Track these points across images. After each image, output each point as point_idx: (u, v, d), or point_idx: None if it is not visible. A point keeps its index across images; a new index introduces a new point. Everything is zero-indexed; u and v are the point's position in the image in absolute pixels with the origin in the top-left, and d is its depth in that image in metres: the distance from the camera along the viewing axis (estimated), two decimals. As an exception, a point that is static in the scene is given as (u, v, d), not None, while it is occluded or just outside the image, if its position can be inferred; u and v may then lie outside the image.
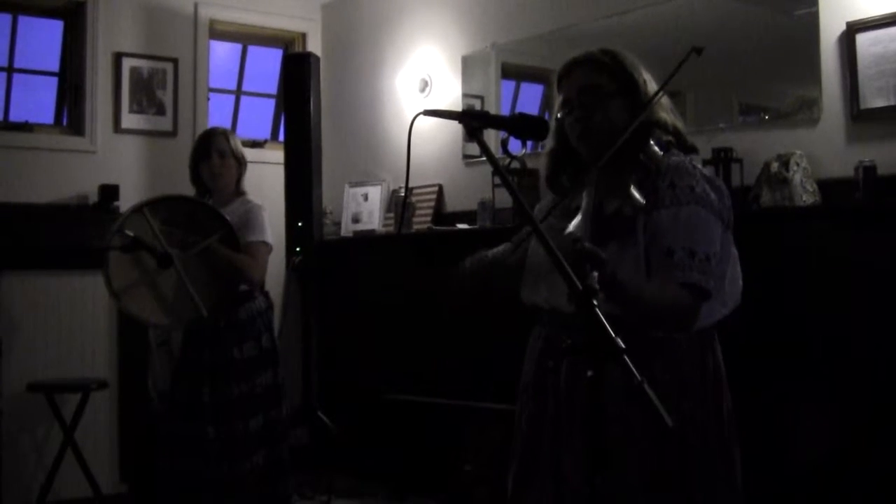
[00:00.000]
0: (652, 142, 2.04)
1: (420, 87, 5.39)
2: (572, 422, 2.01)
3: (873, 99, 3.40)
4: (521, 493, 2.16)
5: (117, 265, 3.56)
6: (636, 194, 1.94)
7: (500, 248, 2.38)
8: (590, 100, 2.11)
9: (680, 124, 2.15)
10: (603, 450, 1.87)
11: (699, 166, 2.08)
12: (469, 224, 4.82)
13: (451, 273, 2.34)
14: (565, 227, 2.05)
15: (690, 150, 2.14)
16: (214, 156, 3.88)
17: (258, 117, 6.23)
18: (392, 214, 5.46)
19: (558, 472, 2.04)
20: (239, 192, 3.97)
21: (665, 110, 2.13)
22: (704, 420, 2.04)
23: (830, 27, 3.53)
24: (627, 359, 1.41)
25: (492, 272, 2.30)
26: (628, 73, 2.12)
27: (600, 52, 2.16)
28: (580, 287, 1.49)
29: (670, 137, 2.11)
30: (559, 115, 2.18)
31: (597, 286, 1.51)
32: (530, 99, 5.27)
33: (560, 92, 2.19)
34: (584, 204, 2.01)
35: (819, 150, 3.53)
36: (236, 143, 3.97)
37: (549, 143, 2.25)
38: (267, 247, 3.85)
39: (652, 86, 2.14)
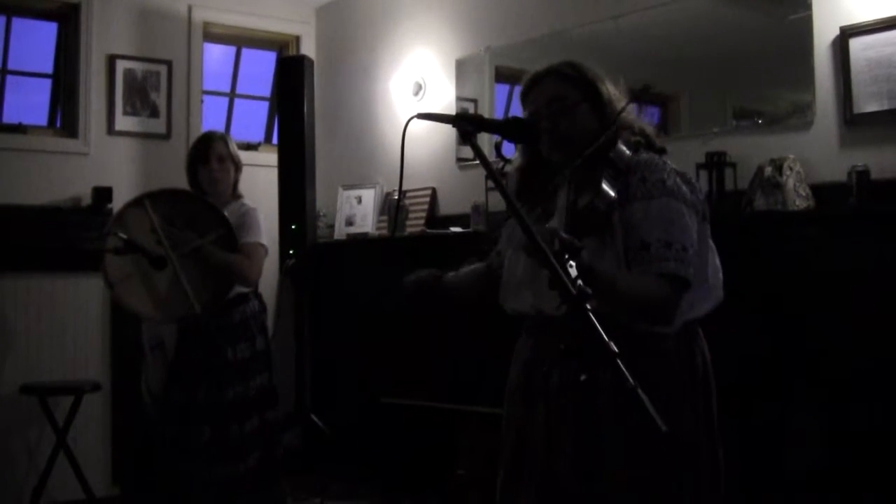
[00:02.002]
0: (620, 142, 2.07)
1: (414, 90, 5.39)
2: (564, 426, 2.01)
3: (866, 103, 3.41)
4: (508, 499, 2.16)
5: (115, 256, 3.56)
6: (607, 188, 1.96)
7: (471, 267, 2.41)
8: (557, 110, 2.12)
9: (647, 128, 2.18)
10: (597, 453, 1.87)
11: (669, 162, 2.10)
12: (462, 227, 4.81)
13: (401, 287, 2.36)
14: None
15: (660, 151, 2.16)
16: (213, 161, 3.87)
17: (252, 120, 6.23)
18: (386, 217, 5.46)
19: (548, 477, 2.03)
20: (235, 195, 3.97)
21: (631, 115, 2.16)
22: (694, 421, 2.04)
23: (824, 32, 3.54)
24: (620, 363, 1.40)
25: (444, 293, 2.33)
26: (591, 82, 2.15)
27: (562, 64, 2.18)
28: (573, 291, 1.49)
29: (639, 138, 2.13)
30: None
31: (588, 290, 1.50)
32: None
33: (526, 107, 2.21)
34: (559, 202, 2.01)
35: (812, 155, 3.53)
36: (234, 147, 3.98)
37: (515, 159, 2.26)
38: (263, 248, 3.85)
39: (616, 95, 2.16)
